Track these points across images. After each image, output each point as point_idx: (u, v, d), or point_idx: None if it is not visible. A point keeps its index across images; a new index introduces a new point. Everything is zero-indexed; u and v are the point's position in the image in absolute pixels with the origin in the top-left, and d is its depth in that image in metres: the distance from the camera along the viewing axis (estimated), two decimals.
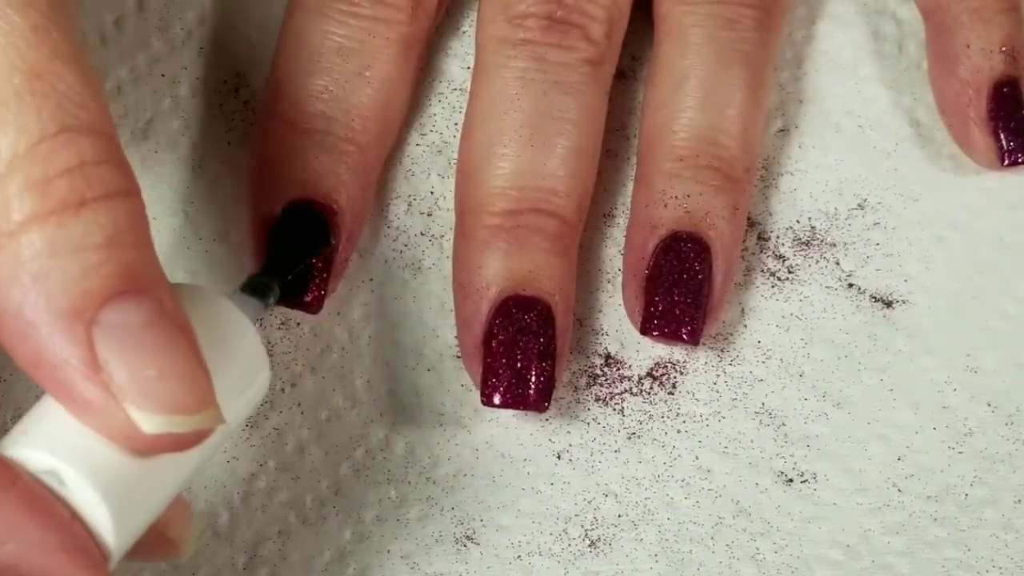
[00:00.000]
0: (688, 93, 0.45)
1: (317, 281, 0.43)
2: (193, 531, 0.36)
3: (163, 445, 0.32)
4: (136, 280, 0.33)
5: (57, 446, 0.33)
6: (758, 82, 0.45)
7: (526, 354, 0.42)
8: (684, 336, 0.43)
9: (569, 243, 0.44)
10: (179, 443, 0.33)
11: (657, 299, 0.43)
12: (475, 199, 0.44)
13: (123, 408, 0.32)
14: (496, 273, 0.43)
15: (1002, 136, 0.45)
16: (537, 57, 0.45)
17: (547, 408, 0.42)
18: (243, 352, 0.36)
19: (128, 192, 0.33)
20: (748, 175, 0.45)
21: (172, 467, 0.34)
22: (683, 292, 0.43)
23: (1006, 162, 0.45)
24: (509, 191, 0.44)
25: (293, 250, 0.42)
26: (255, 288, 0.39)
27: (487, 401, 0.43)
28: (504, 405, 0.42)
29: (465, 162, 0.45)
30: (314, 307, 0.43)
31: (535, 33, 0.45)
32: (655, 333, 0.43)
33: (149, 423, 0.32)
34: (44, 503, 0.32)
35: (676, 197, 0.44)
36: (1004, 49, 0.45)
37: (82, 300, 0.32)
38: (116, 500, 0.33)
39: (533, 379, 0.42)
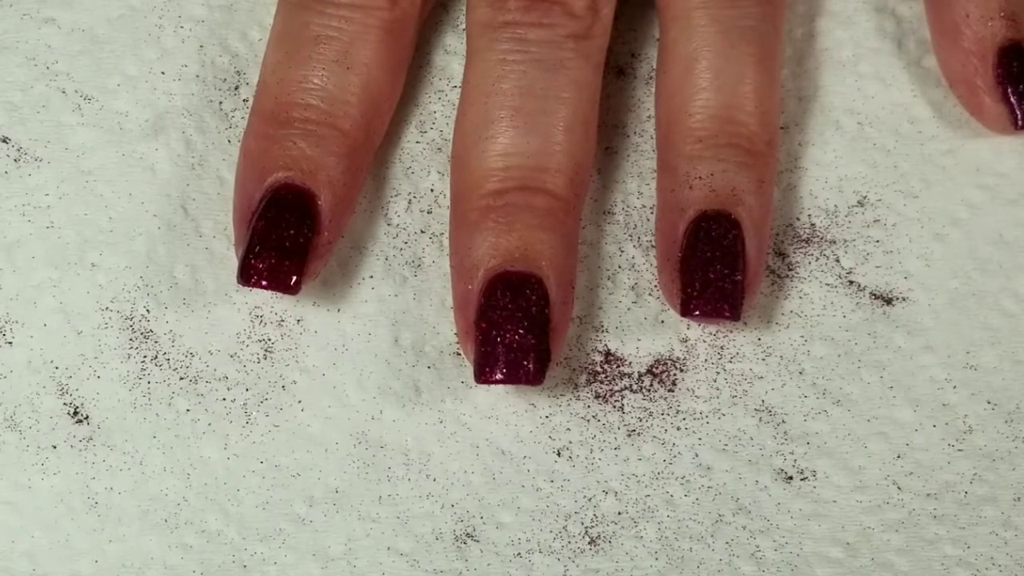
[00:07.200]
0: (699, 75, 0.45)
1: (297, 263, 0.43)
2: None
3: None
4: None
5: None
6: (768, 55, 0.45)
7: (518, 329, 0.42)
8: (727, 312, 0.43)
9: (562, 218, 0.44)
10: None
11: (694, 280, 0.43)
12: (465, 184, 0.44)
13: None
14: (485, 252, 0.43)
15: (1013, 100, 0.45)
16: (518, 38, 0.45)
17: (541, 382, 0.42)
18: None
19: None
20: (770, 148, 0.45)
21: None
22: (719, 269, 0.43)
23: (1020, 124, 0.45)
24: (496, 172, 0.44)
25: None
26: None
27: (480, 378, 0.42)
28: (496, 381, 0.42)
29: (456, 150, 0.45)
30: (293, 289, 0.43)
31: (516, 14, 0.45)
32: (696, 313, 0.43)
33: None
34: None
35: (700, 178, 0.44)
36: (1003, 14, 0.45)
37: None
38: None
39: (525, 354, 0.42)
